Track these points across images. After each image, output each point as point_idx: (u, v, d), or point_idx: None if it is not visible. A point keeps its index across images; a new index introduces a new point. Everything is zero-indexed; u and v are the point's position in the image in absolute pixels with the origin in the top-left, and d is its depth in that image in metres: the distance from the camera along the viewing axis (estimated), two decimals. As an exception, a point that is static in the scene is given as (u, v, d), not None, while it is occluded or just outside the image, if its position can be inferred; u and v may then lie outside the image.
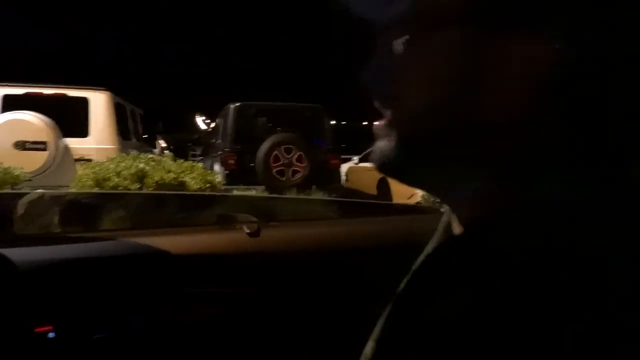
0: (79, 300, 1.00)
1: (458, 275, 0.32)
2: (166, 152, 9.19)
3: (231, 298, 1.07)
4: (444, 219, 0.46)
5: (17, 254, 0.98)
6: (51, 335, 0.92)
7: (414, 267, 0.45)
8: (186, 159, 5.94)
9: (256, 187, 5.52)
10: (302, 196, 4.49)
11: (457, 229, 0.41)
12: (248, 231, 1.14)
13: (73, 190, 3.79)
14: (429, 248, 0.48)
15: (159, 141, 10.37)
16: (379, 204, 1.41)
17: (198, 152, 10.81)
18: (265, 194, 5.18)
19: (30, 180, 4.66)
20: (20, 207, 3.88)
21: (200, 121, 22.53)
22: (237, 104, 6.29)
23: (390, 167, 0.39)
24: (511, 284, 0.28)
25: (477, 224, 0.35)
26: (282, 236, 1.20)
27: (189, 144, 14.21)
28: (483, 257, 0.31)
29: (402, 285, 0.42)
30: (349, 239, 1.23)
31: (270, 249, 1.14)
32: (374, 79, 0.41)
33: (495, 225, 0.33)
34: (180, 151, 11.77)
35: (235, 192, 5.18)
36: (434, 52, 0.36)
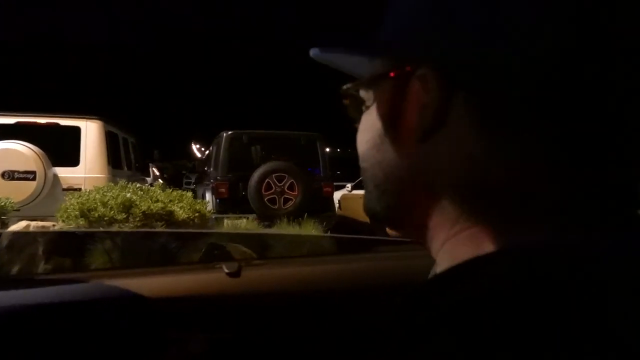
0: (49, 346, 0.93)
1: (439, 320, 0.29)
2: (159, 180, 9.12)
3: (209, 343, 0.99)
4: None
5: None
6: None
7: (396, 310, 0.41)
8: (181, 187, 5.88)
9: (247, 215, 5.43)
10: (288, 229, 4.41)
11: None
12: (227, 271, 1.07)
13: (59, 221, 3.70)
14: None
15: (153, 169, 10.30)
16: (369, 239, 1.35)
17: (192, 180, 10.74)
18: (256, 223, 5.11)
19: (18, 210, 4.58)
20: (4, 238, 3.77)
21: (196, 149, 22.51)
22: (230, 132, 6.27)
23: (371, 216, 0.42)
24: (498, 331, 0.26)
25: (457, 269, 0.32)
26: (264, 276, 1.13)
27: (184, 172, 14.15)
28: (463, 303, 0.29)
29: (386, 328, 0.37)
30: (335, 278, 1.15)
31: (251, 289, 1.07)
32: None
33: (479, 273, 0.30)
34: (178, 179, 11.67)
35: (226, 221, 5.10)
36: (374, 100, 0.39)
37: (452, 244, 0.35)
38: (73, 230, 3.52)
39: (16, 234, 3.82)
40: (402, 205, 0.39)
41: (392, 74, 0.37)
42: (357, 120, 0.43)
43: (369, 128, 0.40)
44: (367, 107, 0.41)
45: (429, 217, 0.37)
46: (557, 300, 0.26)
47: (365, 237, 1.42)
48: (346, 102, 0.43)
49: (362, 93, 0.41)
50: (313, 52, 0.43)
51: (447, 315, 0.29)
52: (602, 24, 0.29)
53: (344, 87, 0.43)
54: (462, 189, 0.34)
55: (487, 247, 0.32)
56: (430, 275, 0.46)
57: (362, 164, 0.42)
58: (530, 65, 0.30)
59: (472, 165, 0.33)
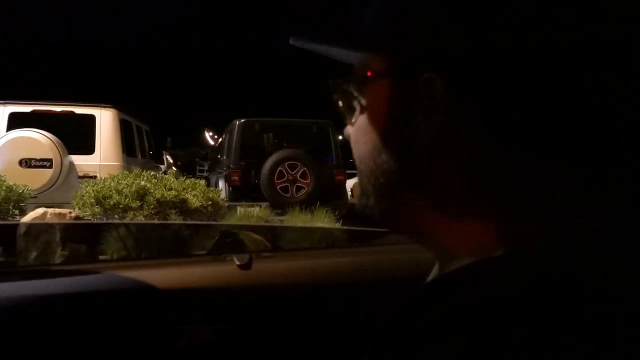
0: (60, 337, 0.95)
1: (455, 317, 0.29)
2: (173, 168, 9.19)
3: (220, 334, 1.01)
4: None
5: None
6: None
7: (407, 304, 0.41)
8: (195, 175, 5.93)
9: (260, 203, 5.46)
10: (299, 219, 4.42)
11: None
12: (239, 263, 1.08)
13: (75, 208, 3.76)
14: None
15: (166, 157, 10.38)
16: (380, 232, 1.35)
17: (205, 168, 10.82)
18: (268, 211, 5.13)
19: (35, 197, 4.66)
20: (22, 225, 3.85)
21: (209, 137, 22.62)
22: (242, 120, 6.29)
23: (367, 218, 0.40)
24: (516, 328, 0.26)
25: (472, 266, 0.32)
26: (275, 268, 1.14)
27: (197, 160, 14.25)
28: (482, 300, 0.29)
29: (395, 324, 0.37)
30: (347, 271, 1.16)
31: (262, 282, 1.07)
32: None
33: (493, 266, 0.31)
34: (191, 167, 11.78)
35: (239, 209, 5.13)
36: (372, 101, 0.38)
37: (456, 245, 0.34)
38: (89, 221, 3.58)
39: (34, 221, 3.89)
40: (404, 212, 0.37)
41: (390, 74, 0.35)
42: (348, 116, 0.41)
43: (367, 128, 0.38)
44: (362, 105, 0.38)
45: (432, 221, 0.36)
46: (563, 306, 0.26)
47: (376, 229, 1.41)
48: (335, 97, 0.41)
49: (354, 88, 0.39)
50: (293, 40, 0.39)
51: (453, 320, 0.28)
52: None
53: (332, 81, 0.40)
54: (469, 194, 0.33)
55: (491, 248, 0.31)
56: (432, 274, 0.45)
57: (361, 166, 0.39)
58: (533, 66, 0.30)
59: (479, 170, 0.32)
